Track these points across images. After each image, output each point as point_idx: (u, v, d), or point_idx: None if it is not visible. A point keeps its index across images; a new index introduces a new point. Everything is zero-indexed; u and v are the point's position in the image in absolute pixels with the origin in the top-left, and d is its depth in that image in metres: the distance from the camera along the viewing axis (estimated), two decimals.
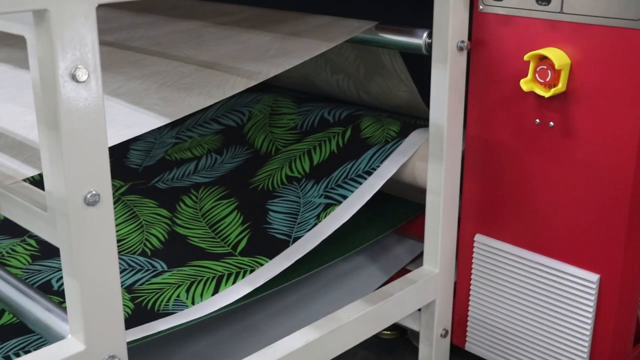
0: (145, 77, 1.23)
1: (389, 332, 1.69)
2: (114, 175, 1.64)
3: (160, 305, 1.27)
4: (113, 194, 1.55)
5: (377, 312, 1.29)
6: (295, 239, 1.39)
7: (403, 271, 1.55)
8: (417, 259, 1.60)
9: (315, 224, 1.41)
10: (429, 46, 1.30)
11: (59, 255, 1.37)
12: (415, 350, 1.62)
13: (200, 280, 1.33)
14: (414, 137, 1.48)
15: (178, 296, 1.29)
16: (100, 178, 0.85)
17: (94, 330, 0.90)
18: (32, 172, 1.02)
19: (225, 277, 1.34)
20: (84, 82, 0.81)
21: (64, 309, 1.03)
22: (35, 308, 1.05)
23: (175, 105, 1.12)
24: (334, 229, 1.39)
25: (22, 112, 1.19)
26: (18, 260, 1.43)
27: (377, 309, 1.29)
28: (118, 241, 1.47)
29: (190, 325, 1.24)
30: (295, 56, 1.28)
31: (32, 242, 1.49)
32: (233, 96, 1.86)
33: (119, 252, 1.43)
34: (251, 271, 1.34)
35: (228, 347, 1.36)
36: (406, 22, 1.36)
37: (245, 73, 1.24)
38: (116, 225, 1.49)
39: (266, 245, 1.40)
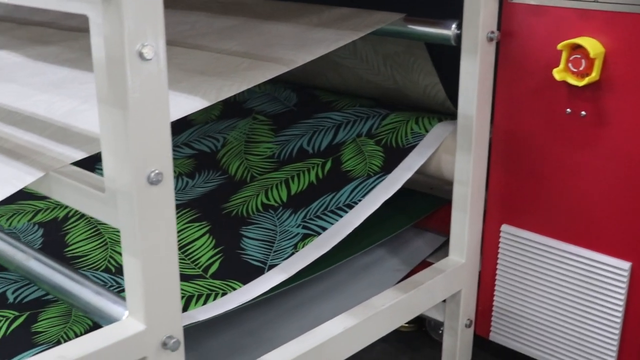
0: None
1: (407, 325, 1.70)
2: None
3: None
4: (76, 212, 1.56)
5: (409, 301, 1.30)
6: (271, 267, 1.37)
7: (424, 264, 1.57)
8: (437, 252, 1.61)
9: (292, 253, 1.38)
10: (458, 37, 1.31)
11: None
12: (433, 343, 1.64)
13: None
14: (405, 165, 1.48)
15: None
16: (163, 157, 0.85)
17: (154, 310, 0.90)
18: (80, 155, 1.03)
19: (195, 297, 1.30)
20: (150, 59, 0.81)
21: (115, 292, 1.04)
22: (85, 292, 1.06)
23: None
24: (312, 259, 1.36)
25: (61, 100, 1.20)
26: None
27: (409, 297, 1.30)
28: (80, 257, 1.44)
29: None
30: (325, 45, 1.30)
31: None
32: (207, 122, 1.86)
33: (80, 268, 1.41)
34: (223, 294, 1.31)
35: (263, 333, 1.37)
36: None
37: (279, 60, 1.25)
38: (79, 242, 1.47)
39: (240, 270, 1.37)
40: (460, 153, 1.35)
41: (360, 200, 1.45)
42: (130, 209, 0.86)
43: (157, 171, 0.85)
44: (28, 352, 1.17)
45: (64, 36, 1.60)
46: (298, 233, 1.43)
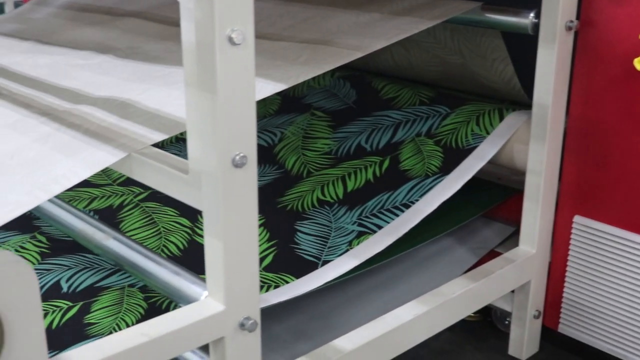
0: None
1: (473, 315, 1.70)
2: (132, 183, 1.65)
3: (176, 306, 1.25)
4: (131, 200, 1.59)
5: (479, 289, 1.30)
6: (325, 262, 1.36)
7: (491, 254, 1.56)
8: (505, 242, 1.60)
9: (347, 250, 1.38)
10: (535, 26, 1.31)
11: (69, 252, 1.40)
12: (499, 333, 1.63)
13: None
14: (466, 164, 1.47)
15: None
16: (248, 140, 0.87)
17: (233, 291, 0.92)
18: (160, 136, 1.04)
19: None
20: (239, 44, 0.82)
21: (193, 273, 1.06)
22: (163, 272, 1.07)
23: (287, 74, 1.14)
24: (366, 257, 1.35)
25: (139, 86, 1.22)
26: (27, 258, 1.40)
27: (479, 286, 1.30)
28: None
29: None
30: (399, 32, 1.30)
31: (43, 238, 1.47)
32: (264, 116, 1.86)
33: None
34: (275, 286, 1.30)
35: (329, 318, 1.38)
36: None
37: (350, 46, 1.25)
38: (133, 230, 1.49)
39: (293, 264, 1.37)
40: (534, 142, 1.34)
41: (417, 200, 1.44)
42: (214, 191, 0.87)
43: (242, 154, 0.86)
44: (79, 344, 1.18)
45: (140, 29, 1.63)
46: (353, 230, 1.42)
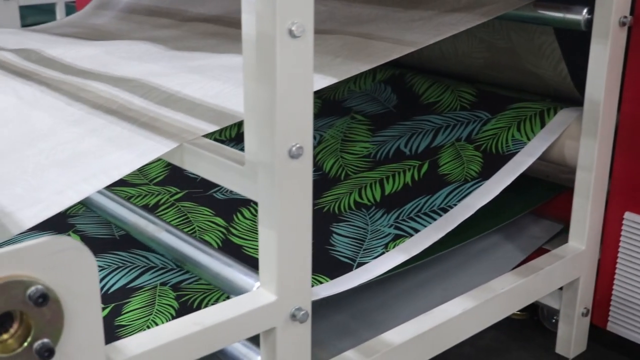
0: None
1: (519, 312, 1.69)
2: (169, 183, 1.66)
3: (207, 304, 1.25)
4: (167, 199, 1.60)
5: (527, 285, 1.30)
6: (360, 265, 1.35)
7: (539, 252, 1.55)
8: (552, 240, 1.59)
9: (383, 253, 1.36)
10: (588, 22, 1.30)
11: (103, 252, 1.40)
12: (545, 332, 1.62)
13: None
14: (504, 171, 1.46)
15: (228, 297, 1.25)
16: (304, 132, 0.87)
17: (286, 281, 0.93)
18: (211, 127, 1.05)
19: None
20: (299, 37, 0.83)
21: (244, 264, 1.07)
22: (214, 263, 1.08)
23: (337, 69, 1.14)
24: (401, 260, 1.33)
25: (195, 79, 1.23)
26: None
27: (528, 282, 1.30)
28: None
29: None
30: (450, 28, 1.30)
31: (77, 237, 1.47)
32: None
33: None
34: None
35: (375, 315, 1.38)
36: None
37: (403, 42, 1.26)
38: None
39: (328, 265, 1.36)
40: (585, 139, 1.33)
41: (455, 205, 1.43)
42: (270, 182, 0.88)
43: (298, 145, 0.87)
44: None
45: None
46: (389, 233, 1.42)
